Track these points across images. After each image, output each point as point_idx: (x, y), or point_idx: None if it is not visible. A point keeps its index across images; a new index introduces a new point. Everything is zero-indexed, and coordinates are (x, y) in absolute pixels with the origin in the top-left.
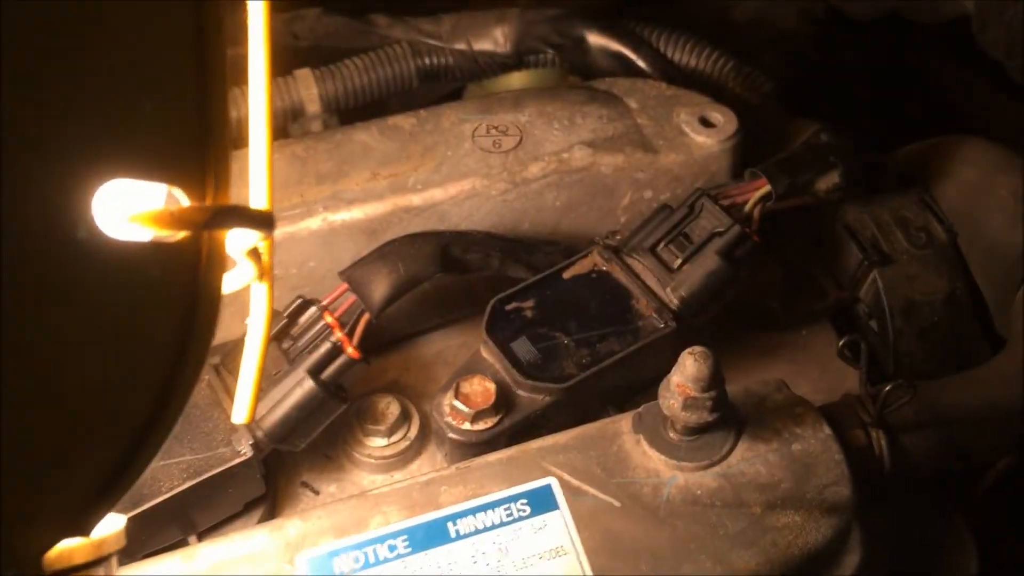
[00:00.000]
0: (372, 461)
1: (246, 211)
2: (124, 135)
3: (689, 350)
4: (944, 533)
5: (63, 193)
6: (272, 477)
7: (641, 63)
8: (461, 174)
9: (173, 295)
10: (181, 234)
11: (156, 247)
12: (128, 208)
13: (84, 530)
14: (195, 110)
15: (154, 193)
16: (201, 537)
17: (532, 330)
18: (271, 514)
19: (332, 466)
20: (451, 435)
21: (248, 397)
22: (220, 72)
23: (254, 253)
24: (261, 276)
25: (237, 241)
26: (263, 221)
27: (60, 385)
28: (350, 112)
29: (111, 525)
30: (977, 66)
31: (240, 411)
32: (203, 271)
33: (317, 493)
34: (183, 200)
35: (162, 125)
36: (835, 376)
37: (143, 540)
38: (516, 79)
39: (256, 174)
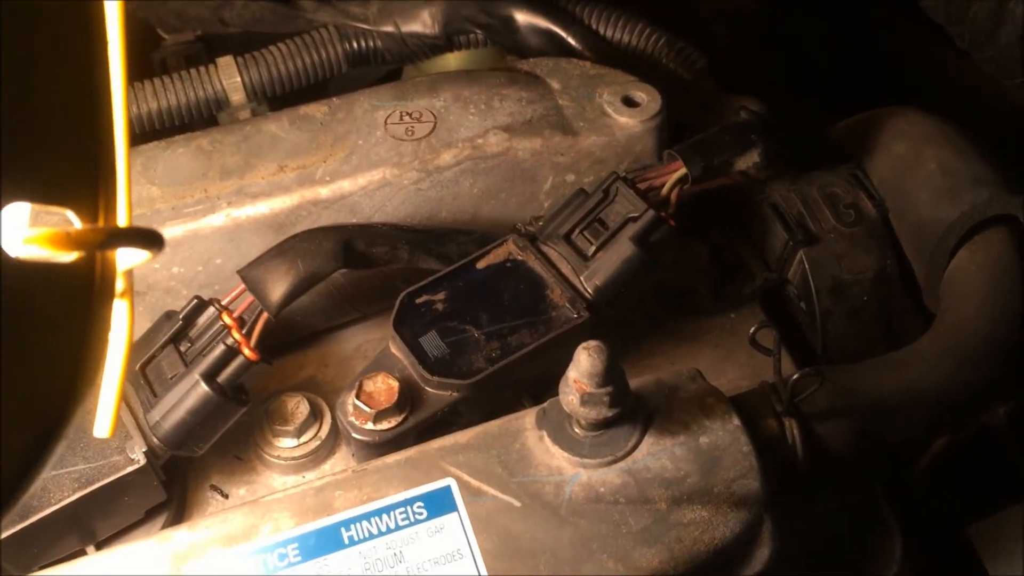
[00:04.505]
0: (282, 462)
1: (137, 231)
2: (18, 160)
3: (583, 345)
4: (867, 522)
5: None
6: (178, 481)
7: (571, 40)
8: (371, 164)
9: (69, 314)
10: (75, 255)
11: (51, 268)
12: (21, 230)
13: None
14: (85, 135)
15: (47, 216)
16: (100, 547)
17: (442, 324)
18: (177, 519)
19: (243, 468)
20: (355, 435)
21: (110, 410)
22: (107, 96)
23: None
24: (123, 294)
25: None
26: (153, 240)
27: None
28: (281, 99)
29: None
30: (931, 29)
31: (102, 425)
32: (97, 290)
33: (226, 497)
34: (75, 222)
35: (54, 150)
36: (763, 361)
37: (35, 552)
38: (453, 60)
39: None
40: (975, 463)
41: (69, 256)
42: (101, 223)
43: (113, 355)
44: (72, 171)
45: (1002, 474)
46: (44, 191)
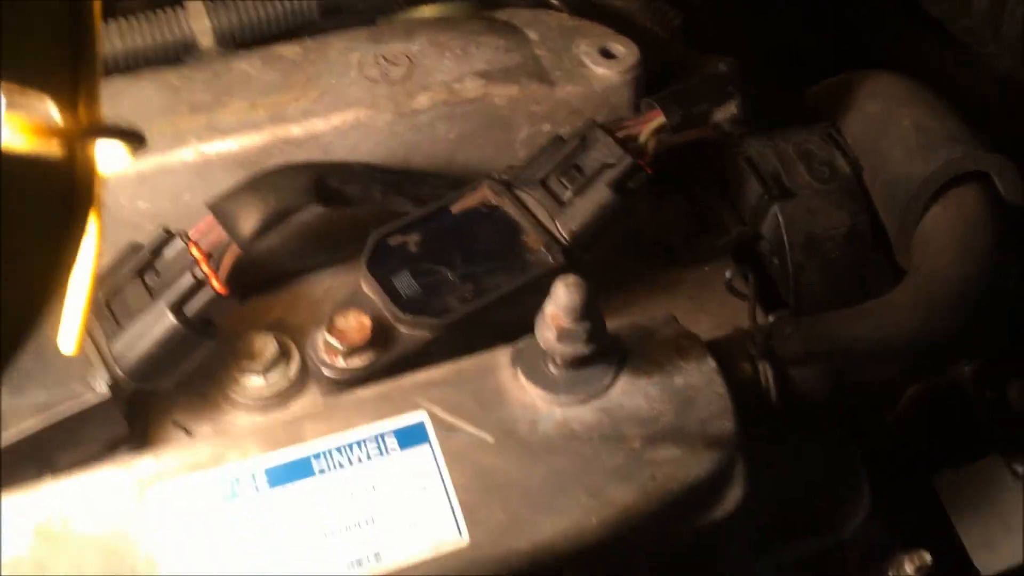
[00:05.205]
0: (249, 401)
1: (120, 127)
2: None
3: (561, 278)
4: (836, 470)
5: None
6: (141, 416)
7: None
8: (345, 104)
9: (44, 216)
10: (55, 147)
11: (27, 163)
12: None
13: None
14: (67, 26)
15: (24, 102)
16: None
17: (415, 265)
18: None
19: (208, 406)
20: (325, 372)
21: (76, 325)
22: None
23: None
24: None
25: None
26: (135, 138)
27: None
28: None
29: None
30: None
31: (67, 340)
32: (77, 186)
33: (190, 434)
34: (55, 115)
35: (36, 38)
36: (735, 313)
37: None
38: (428, 12)
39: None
40: (941, 420)
41: (49, 148)
42: (82, 117)
43: (80, 266)
44: (52, 59)
45: (967, 431)
46: (20, 74)
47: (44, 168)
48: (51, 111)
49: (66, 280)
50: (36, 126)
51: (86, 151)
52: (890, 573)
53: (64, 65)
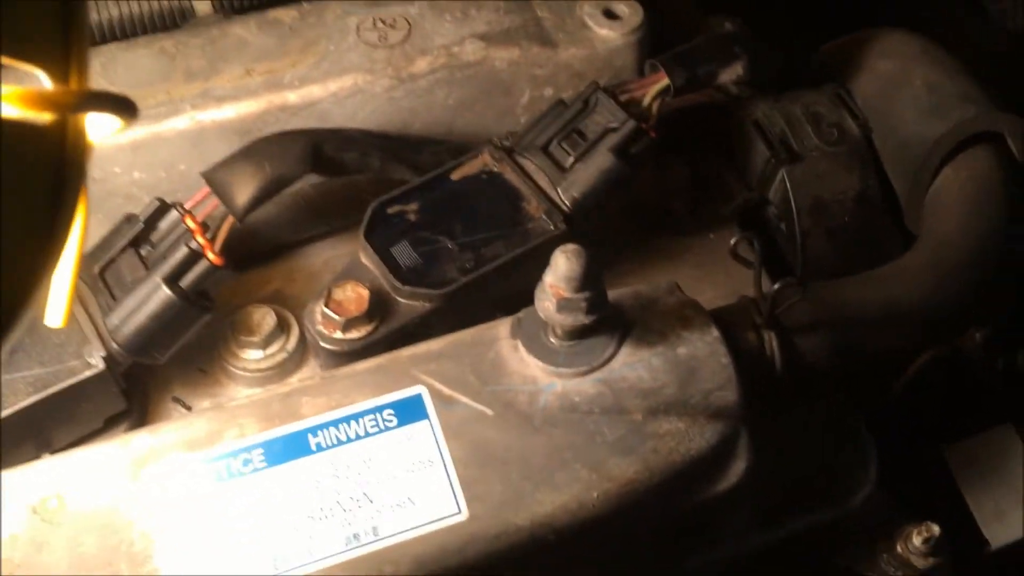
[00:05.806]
0: (248, 375)
1: (111, 96)
2: None
3: (561, 248)
4: (843, 440)
5: None
6: (139, 392)
7: None
8: (342, 70)
9: (39, 178)
10: (47, 116)
11: (23, 128)
12: None
13: None
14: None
15: (14, 74)
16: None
17: (414, 234)
18: None
19: (207, 381)
20: (323, 345)
21: (63, 299)
22: None
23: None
24: None
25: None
26: (127, 107)
27: None
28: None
29: None
30: None
31: (55, 314)
32: (68, 156)
33: (189, 409)
34: (47, 84)
35: (26, 9)
36: (740, 281)
37: None
38: None
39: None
40: (951, 388)
41: (41, 118)
42: (73, 87)
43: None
44: (42, 28)
45: (977, 400)
46: (12, 46)
47: (36, 139)
48: (43, 81)
49: (60, 253)
50: (29, 96)
51: (77, 121)
52: (898, 545)
53: (54, 36)
